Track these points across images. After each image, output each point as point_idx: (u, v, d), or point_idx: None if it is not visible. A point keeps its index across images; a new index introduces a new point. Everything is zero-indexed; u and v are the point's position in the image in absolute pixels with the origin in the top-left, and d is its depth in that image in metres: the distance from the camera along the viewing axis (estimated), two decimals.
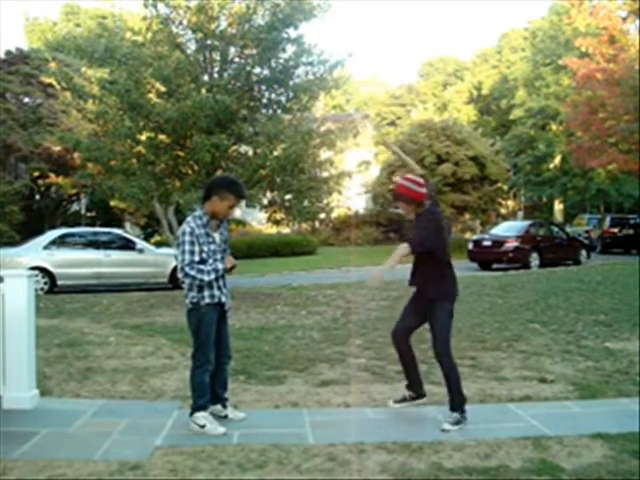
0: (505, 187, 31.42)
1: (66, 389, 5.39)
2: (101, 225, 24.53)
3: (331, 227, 30.11)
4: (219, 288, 4.39)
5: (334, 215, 20.16)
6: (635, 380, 5.55)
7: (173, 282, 13.91)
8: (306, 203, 11.88)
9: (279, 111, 12.08)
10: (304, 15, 11.30)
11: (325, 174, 12.76)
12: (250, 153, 12.03)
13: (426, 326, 4.64)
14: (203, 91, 11.35)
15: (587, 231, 28.33)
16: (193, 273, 4.24)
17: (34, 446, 4.02)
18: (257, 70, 11.73)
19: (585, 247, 21.92)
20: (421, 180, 4.54)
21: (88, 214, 27.89)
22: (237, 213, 14.61)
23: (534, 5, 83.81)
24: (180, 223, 7.25)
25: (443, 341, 4.43)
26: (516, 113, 40.26)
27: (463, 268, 18.18)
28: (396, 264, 4.24)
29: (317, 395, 5.19)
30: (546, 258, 19.64)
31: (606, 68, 21.85)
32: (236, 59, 11.82)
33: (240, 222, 14.90)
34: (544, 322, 8.64)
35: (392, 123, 57.80)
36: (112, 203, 22.98)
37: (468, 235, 31.47)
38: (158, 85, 11.62)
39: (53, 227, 20.64)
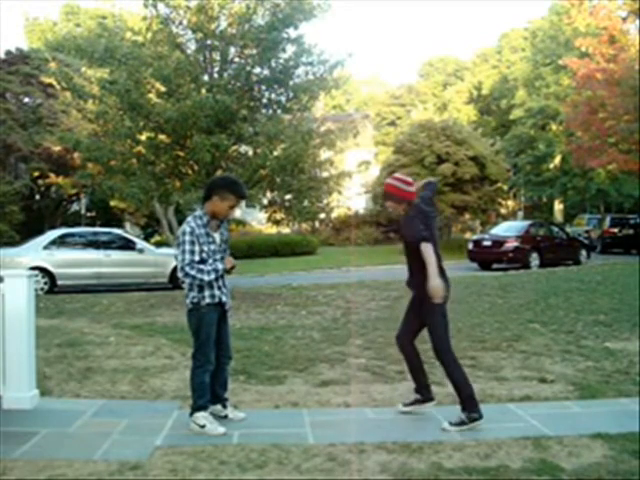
0: (505, 187, 31.42)
1: (66, 389, 5.39)
2: (101, 225, 24.55)
3: (331, 227, 30.12)
4: (219, 288, 4.39)
5: (334, 215, 20.18)
6: (635, 380, 5.55)
7: (173, 282, 13.91)
8: (306, 203, 11.89)
9: (279, 111, 12.08)
10: (304, 15, 11.30)
11: (325, 174, 12.76)
12: (250, 153, 12.03)
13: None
14: (203, 91, 11.35)
15: (587, 231, 28.33)
16: (193, 273, 4.24)
17: (34, 446, 4.01)
18: (257, 70, 11.73)
19: (585, 247, 21.92)
20: (410, 179, 4.58)
21: (88, 214, 27.91)
22: (237, 213, 14.61)
23: (534, 5, 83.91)
24: (180, 223, 7.25)
25: (440, 338, 4.43)
26: (516, 113, 40.26)
27: (463, 268, 18.19)
28: (437, 267, 4.25)
29: (317, 395, 5.19)
30: (546, 258, 19.64)
31: (606, 68, 21.85)
32: (236, 59, 11.82)
33: (240, 222, 14.90)
34: (544, 322, 8.63)
35: (392, 123, 57.80)
36: (112, 203, 23.00)
37: (468, 235, 31.51)
38: (158, 85, 11.63)
39: (53, 227, 20.65)
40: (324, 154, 12.55)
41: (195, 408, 4.34)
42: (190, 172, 11.84)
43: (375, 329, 8.18)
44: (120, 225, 25.47)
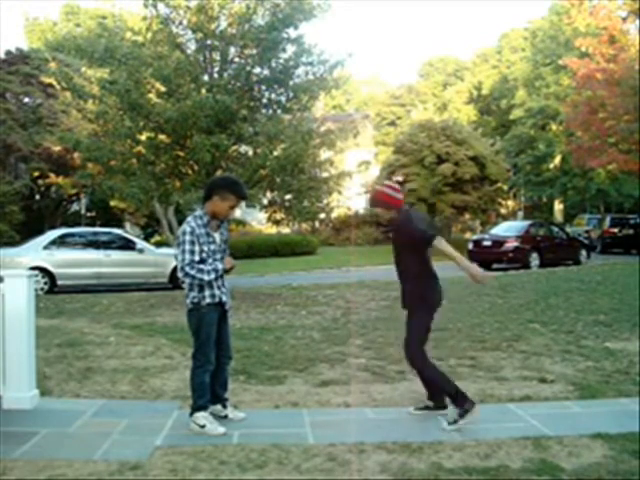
0: (505, 187, 31.44)
1: (66, 389, 5.39)
2: (101, 225, 24.54)
3: (331, 227, 30.11)
4: (219, 288, 4.39)
5: (334, 215, 20.15)
6: (635, 380, 5.55)
7: (173, 282, 13.91)
8: (306, 203, 11.89)
9: (279, 111, 12.08)
10: (304, 15, 11.30)
11: (325, 174, 12.76)
12: (250, 153, 12.03)
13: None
14: (203, 91, 11.35)
15: (587, 231, 28.33)
16: (193, 273, 4.24)
17: (34, 446, 4.01)
18: (257, 70, 11.73)
19: (585, 247, 21.92)
20: (397, 186, 4.73)
21: (88, 214, 27.91)
22: (237, 213, 14.61)
23: (534, 5, 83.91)
24: (180, 223, 7.25)
25: (412, 344, 4.47)
26: (516, 113, 40.27)
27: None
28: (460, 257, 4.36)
29: (317, 395, 5.18)
30: (546, 258, 19.64)
31: (606, 68, 21.84)
32: (236, 59, 11.82)
33: (240, 222, 14.90)
34: (544, 322, 8.63)
35: (392, 123, 57.81)
36: (112, 203, 22.99)
37: (468, 235, 31.51)
38: (158, 85, 11.62)
39: (53, 227, 20.65)
40: (324, 154, 12.55)
41: (195, 408, 4.34)
42: (190, 172, 11.84)
43: (375, 329, 8.17)
44: (120, 225, 25.47)
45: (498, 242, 19.71)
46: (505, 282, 13.84)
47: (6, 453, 3.83)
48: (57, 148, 22.36)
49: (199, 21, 11.33)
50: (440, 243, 4.29)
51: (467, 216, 30.85)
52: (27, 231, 20.43)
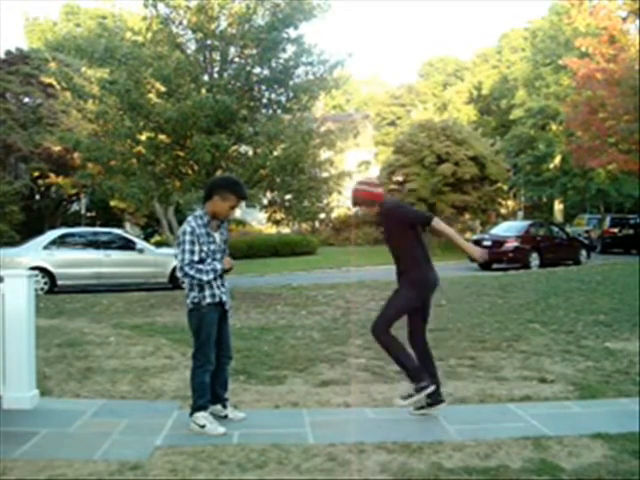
0: (505, 187, 31.43)
1: (66, 389, 5.39)
2: (101, 225, 24.53)
3: (331, 227, 30.10)
4: (219, 287, 4.39)
5: (334, 215, 20.16)
6: (635, 380, 5.55)
7: (173, 282, 13.91)
8: (306, 203, 11.90)
9: (279, 111, 12.09)
10: (304, 15, 11.31)
11: (325, 174, 12.77)
12: (250, 153, 12.04)
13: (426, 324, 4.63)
14: (203, 91, 11.36)
15: (587, 231, 28.33)
16: (192, 273, 4.24)
17: (34, 446, 4.01)
18: (257, 70, 11.74)
19: (585, 247, 21.92)
20: (376, 181, 4.81)
21: (88, 214, 27.90)
22: (237, 213, 14.61)
23: (534, 5, 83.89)
24: (180, 223, 7.25)
25: (380, 321, 4.51)
26: (516, 113, 40.24)
27: (463, 268, 18.18)
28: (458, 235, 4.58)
29: (317, 395, 5.19)
30: (546, 258, 19.64)
31: (606, 68, 21.84)
32: (236, 59, 11.83)
33: (240, 222, 14.92)
34: (544, 322, 8.63)
35: (392, 123, 57.77)
36: (112, 203, 22.99)
37: (468, 235, 31.45)
38: (158, 85, 11.63)
39: (53, 227, 20.64)
40: (324, 154, 12.56)
41: (195, 408, 4.34)
42: (190, 172, 11.84)
43: None
44: (120, 225, 25.46)
45: (498, 242, 19.70)
46: (505, 282, 13.84)
47: (6, 453, 3.83)
48: (57, 148, 22.36)
49: (199, 21, 11.33)
50: (438, 224, 4.39)
51: (467, 216, 30.80)
52: (27, 231, 20.43)
